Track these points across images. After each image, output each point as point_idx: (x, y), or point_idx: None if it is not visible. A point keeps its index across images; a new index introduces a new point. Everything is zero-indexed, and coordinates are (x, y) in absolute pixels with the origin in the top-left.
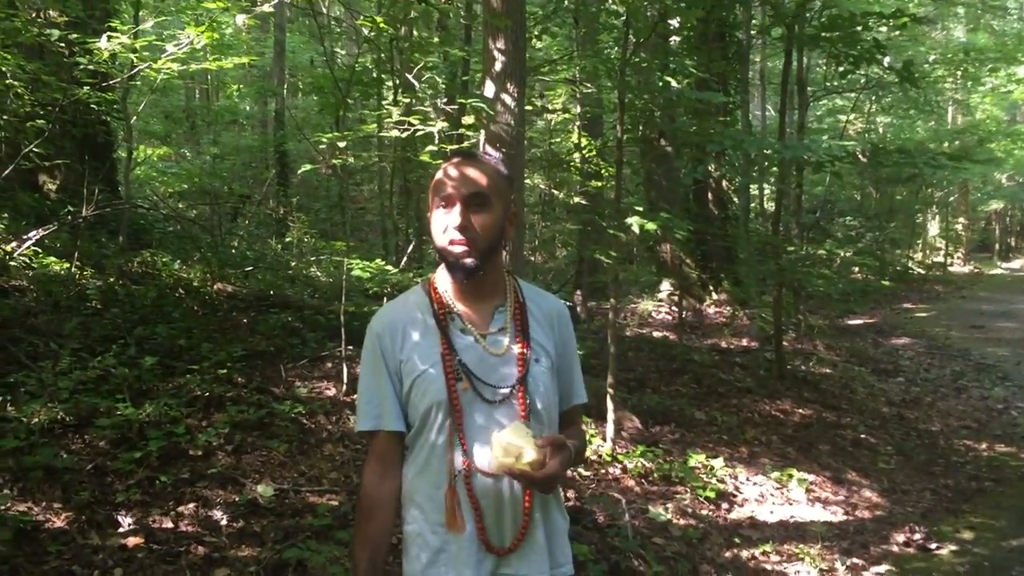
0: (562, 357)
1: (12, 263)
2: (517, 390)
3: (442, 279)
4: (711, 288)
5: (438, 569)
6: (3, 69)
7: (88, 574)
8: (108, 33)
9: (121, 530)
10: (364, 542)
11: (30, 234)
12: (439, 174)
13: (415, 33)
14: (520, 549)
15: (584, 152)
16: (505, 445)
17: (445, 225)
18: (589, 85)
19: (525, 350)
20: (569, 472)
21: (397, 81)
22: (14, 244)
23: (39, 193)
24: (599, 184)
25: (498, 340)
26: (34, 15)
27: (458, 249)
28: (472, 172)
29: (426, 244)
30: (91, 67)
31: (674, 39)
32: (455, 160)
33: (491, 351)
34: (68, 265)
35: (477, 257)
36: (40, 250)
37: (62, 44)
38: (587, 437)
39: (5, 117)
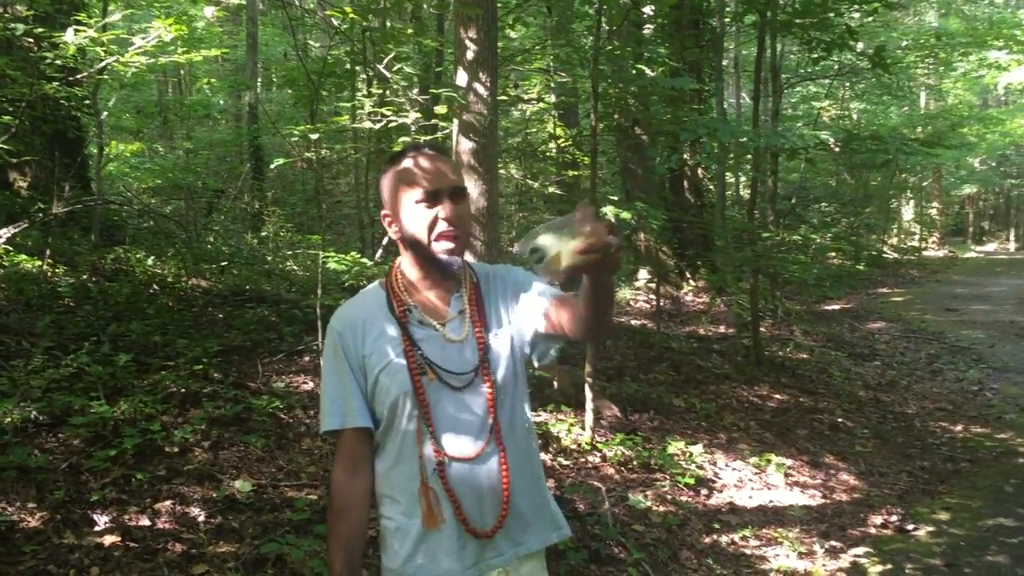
0: (515, 284)
1: None
2: (481, 371)
3: (406, 270)
4: (688, 276)
5: (418, 561)
6: None
7: (64, 573)
8: (74, 27)
9: (97, 529)
10: (338, 543)
11: (0, 232)
12: (407, 163)
13: (388, 24)
14: (504, 528)
15: (559, 142)
16: (552, 237)
17: (431, 219)
18: (563, 75)
19: (481, 330)
20: (550, 449)
21: (370, 72)
22: None
23: (9, 190)
24: (575, 173)
25: (456, 325)
26: (1, 11)
27: (451, 244)
28: (446, 165)
29: None
30: (58, 62)
31: (647, 27)
32: (424, 152)
33: (450, 338)
34: (40, 263)
35: (463, 249)
36: (11, 248)
37: (29, 39)
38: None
39: None
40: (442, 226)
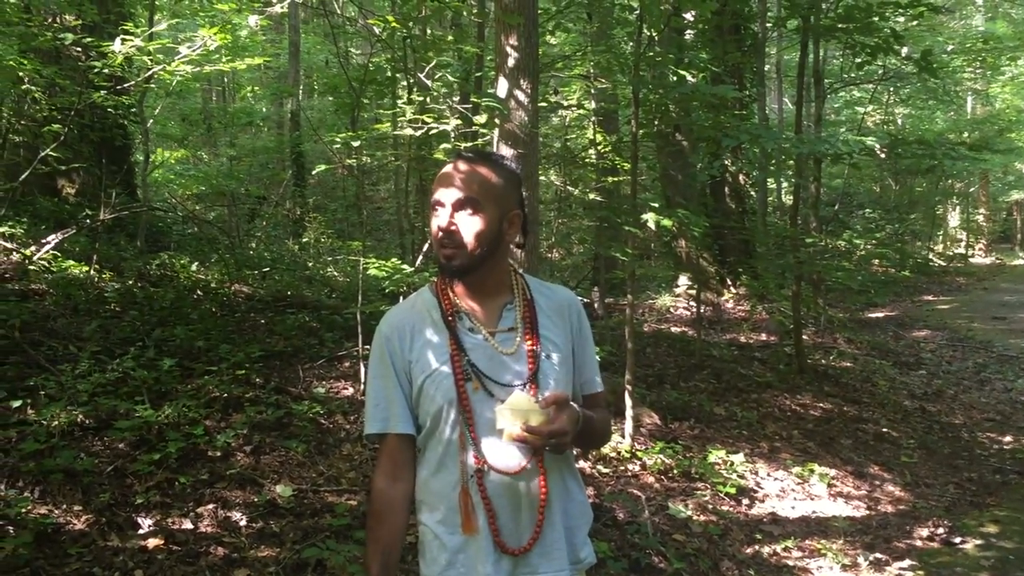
0: (576, 347)
1: (31, 267)
2: (528, 388)
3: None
4: (729, 283)
5: (456, 570)
6: (21, 74)
7: None
8: (121, 36)
9: (141, 532)
10: (376, 547)
11: (49, 238)
12: (445, 169)
13: (428, 31)
14: (538, 547)
15: (599, 148)
16: (509, 413)
17: (436, 227)
18: (603, 80)
19: (535, 347)
20: (590, 456)
21: (411, 80)
22: (33, 248)
23: (58, 197)
24: (615, 180)
25: (508, 338)
26: (50, 20)
27: (446, 251)
28: (461, 176)
29: None
30: (106, 71)
31: (689, 33)
32: (459, 159)
33: (500, 349)
34: (87, 268)
35: (465, 259)
36: (59, 254)
37: (78, 48)
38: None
39: (23, 122)
40: (440, 236)
